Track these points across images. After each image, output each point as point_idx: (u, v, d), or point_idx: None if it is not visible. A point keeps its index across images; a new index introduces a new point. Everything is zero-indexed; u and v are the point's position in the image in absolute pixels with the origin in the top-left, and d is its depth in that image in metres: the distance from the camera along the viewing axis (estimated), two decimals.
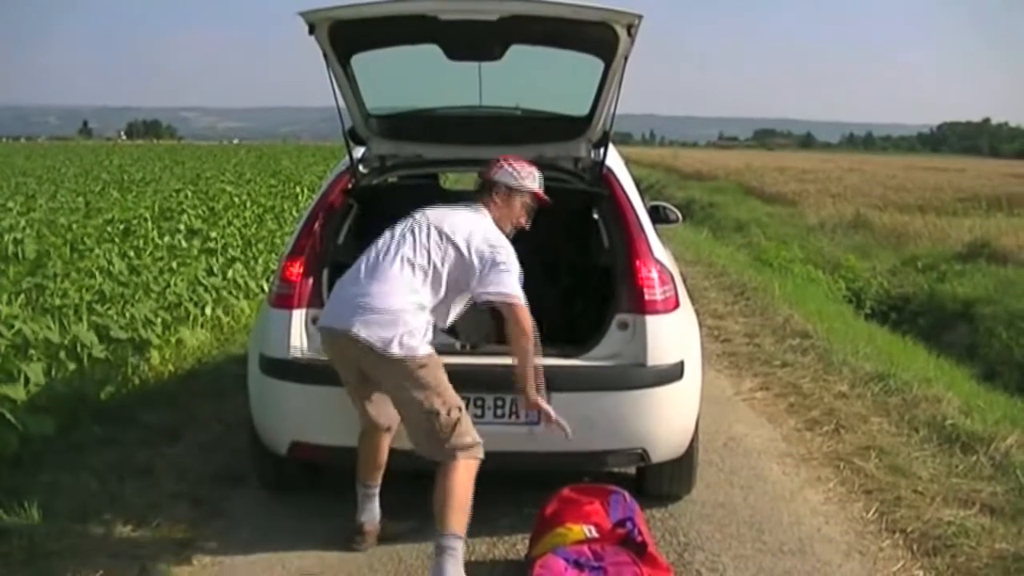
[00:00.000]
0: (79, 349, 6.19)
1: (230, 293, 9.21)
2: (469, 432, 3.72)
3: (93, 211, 14.02)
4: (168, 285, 8.27)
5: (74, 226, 11.28)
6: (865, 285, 16.06)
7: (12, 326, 5.96)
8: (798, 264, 16.65)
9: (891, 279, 16.69)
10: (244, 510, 4.58)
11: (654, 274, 4.30)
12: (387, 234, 3.93)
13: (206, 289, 8.72)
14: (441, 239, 3.86)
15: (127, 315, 7.04)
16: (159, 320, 7.42)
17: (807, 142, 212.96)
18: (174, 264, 9.23)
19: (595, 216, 4.86)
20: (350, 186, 4.68)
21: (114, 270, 8.63)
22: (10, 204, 16.51)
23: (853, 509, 4.64)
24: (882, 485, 4.87)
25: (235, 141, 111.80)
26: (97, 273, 8.44)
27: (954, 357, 10.65)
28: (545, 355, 4.01)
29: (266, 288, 9.49)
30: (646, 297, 4.24)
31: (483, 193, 4.10)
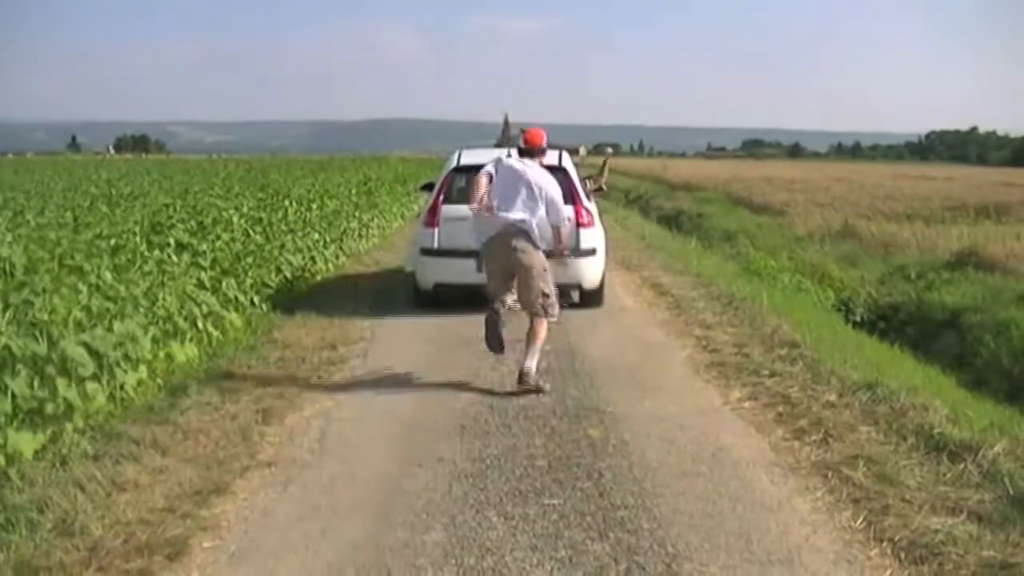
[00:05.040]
0: (66, 364, 6.17)
1: (221, 307, 9.19)
2: (554, 307, 7.26)
3: (82, 226, 13.96)
4: (157, 300, 8.25)
5: (63, 241, 11.22)
6: (854, 294, 16.11)
7: None
8: (787, 274, 16.70)
9: (879, 288, 16.76)
10: (232, 523, 4.58)
11: (583, 211, 10.08)
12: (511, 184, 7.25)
13: (196, 303, 8.70)
14: (532, 187, 7.20)
15: (115, 330, 7.01)
16: (148, 335, 7.40)
17: (795, 152, 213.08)
18: (163, 279, 9.20)
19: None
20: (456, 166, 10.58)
21: (103, 285, 8.59)
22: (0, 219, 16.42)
23: (841, 518, 4.65)
24: (870, 494, 4.88)
25: (222, 155, 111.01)
26: (85, 288, 8.41)
27: (942, 365, 10.70)
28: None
29: (256, 301, 9.75)
30: (582, 220, 9.96)
31: (534, 155, 7.49)
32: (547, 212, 7.26)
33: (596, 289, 10.22)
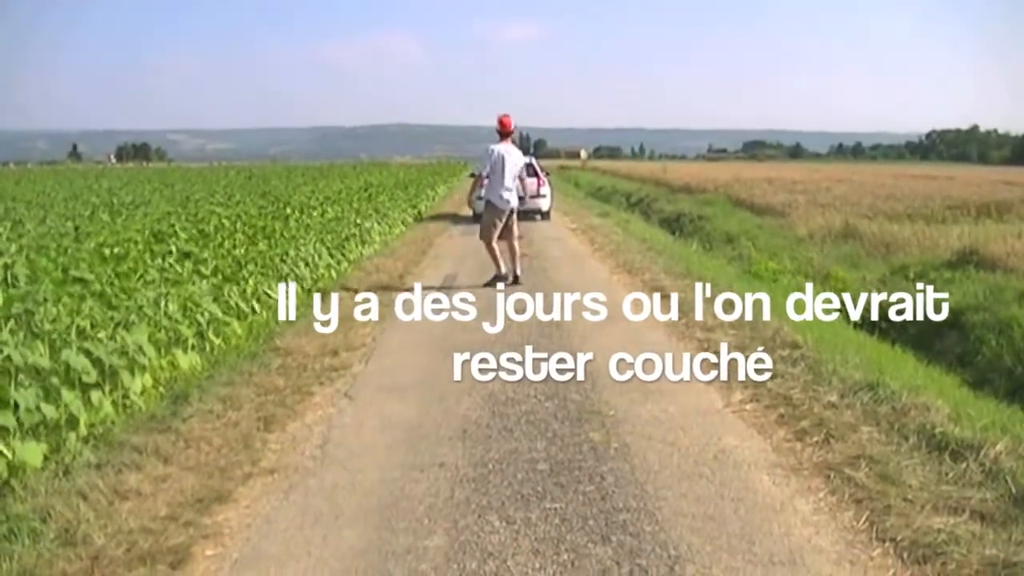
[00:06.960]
0: (69, 374, 6.18)
1: (224, 314, 9.20)
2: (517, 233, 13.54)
3: (83, 235, 14.00)
4: (160, 308, 8.25)
5: (68, 250, 11.28)
6: (854, 295, 16.06)
7: (1, 351, 5.94)
8: (788, 275, 16.69)
9: (880, 288, 16.71)
10: (234, 530, 4.59)
11: (542, 179, 24.18)
12: (499, 164, 12.81)
13: (200, 311, 8.71)
14: (515, 164, 12.93)
15: (118, 339, 7.02)
16: (151, 343, 7.40)
17: (796, 153, 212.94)
18: (164, 287, 9.22)
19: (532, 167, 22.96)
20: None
21: (105, 293, 8.61)
22: (0, 229, 16.44)
23: (843, 518, 4.66)
24: (872, 494, 4.89)
25: (223, 163, 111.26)
26: (88, 297, 8.42)
27: (944, 365, 10.67)
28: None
29: (256, 308, 9.78)
30: (541, 182, 23.92)
31: (507, 137, 12.93)
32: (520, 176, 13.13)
33: (547, 212, 24.15)
